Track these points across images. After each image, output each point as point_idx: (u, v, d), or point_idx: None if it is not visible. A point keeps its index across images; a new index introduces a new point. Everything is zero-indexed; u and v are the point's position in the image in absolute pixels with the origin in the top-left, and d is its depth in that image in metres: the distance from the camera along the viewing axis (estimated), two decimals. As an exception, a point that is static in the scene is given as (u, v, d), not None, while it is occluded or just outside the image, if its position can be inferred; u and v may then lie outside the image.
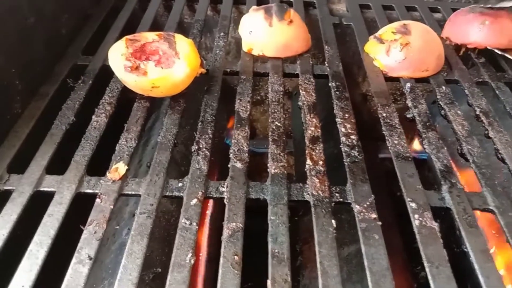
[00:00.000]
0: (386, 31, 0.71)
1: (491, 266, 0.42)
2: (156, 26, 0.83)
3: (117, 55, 0.60)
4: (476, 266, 0.43)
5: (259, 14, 0.72)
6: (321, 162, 0.53)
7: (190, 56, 0.61)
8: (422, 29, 0.70)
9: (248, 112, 0.60)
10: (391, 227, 0.60)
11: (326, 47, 0.76)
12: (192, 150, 0.54)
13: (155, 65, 0.59)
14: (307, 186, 0.50)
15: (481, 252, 0.44)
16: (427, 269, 0.42)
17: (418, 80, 0.69)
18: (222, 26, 0.81)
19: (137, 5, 0.91)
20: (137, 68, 0.59)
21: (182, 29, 0.87)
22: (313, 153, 0.54)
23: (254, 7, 0.75)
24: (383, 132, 0.58)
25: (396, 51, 0.68)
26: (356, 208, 0.48)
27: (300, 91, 0.65)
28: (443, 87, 0.67)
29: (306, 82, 0.67)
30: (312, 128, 0.58)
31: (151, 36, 0.64)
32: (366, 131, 0.67)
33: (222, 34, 0.78)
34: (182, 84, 0.61)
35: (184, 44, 0.62)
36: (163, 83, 0.59)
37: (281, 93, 0.65)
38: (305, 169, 0.52)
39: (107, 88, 0.64)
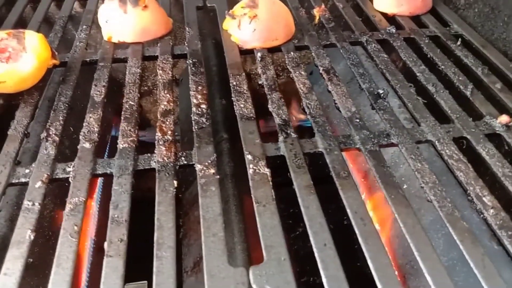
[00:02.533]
0: (237, 7, 0.75)
1: (312, 198, 0.47)
2: (21, 26, 0.82)
3: (-38, 57, 0.60)
4: (299, 200, 0.47)
5: (114, 2, 0.74)
6: (170, 132, 0.56)
7: (38, 49, 0.62)
8: (269, 1, 0.75)
9: (102, 96, 0.62)
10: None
11: (187, 28, 0.79)
12: (41, 138, 0.55)
13: (1, 61, 0.60)
14: (154, 155, 0.53)
15: (305, 188, 0.49)
16: (255, 209, 0.46)
17: (272, 50, 0.74)
18: (86, 19, 0.82)
19: (3, 8, 0.90)
20: (-20, 66, 0.59)
21: (50, 26, 0.86)
22: (163, 125, 0.57)
23: (110, -4, 0.76)
24: (232, 98, 0.62)
25: (246, 24, 0.72)
26: (198, 167, 0.51)
27: (158, 70, 0.68)
28: (292, 53, 0.72)
29: (164, 62, 0.70)
30: (165, 103, 0.61)
31: (0, 35, 0.64)
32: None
33: (84, 27, 0.80)
34: (32, 77, 0.62)
35: (33, 39, 0.63)
36: (9, 78, 0.59)
37: (138, 74, 0.67)
38: (154, 140, 0.55)
39: (-40, 91, 0.63)
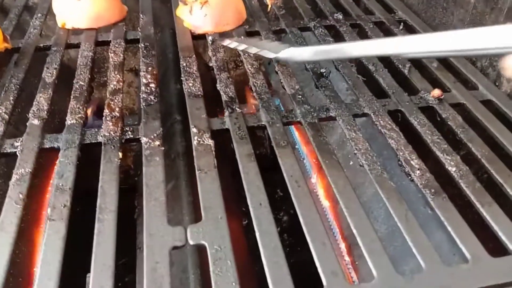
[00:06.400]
0: (189, -7, 0.78)
1: (252, 165, 0.50)
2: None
3: None
4: (240, 166, 0.50)
5: (67, -11, 0.75)
6: (117, 109, 0.58)
7: (-12, 32, 0.63)
8: (220, -12, 0.77)
9: (53, 78, 0.64)
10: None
11: (142, 15, 0.81)
12: (-10, 116, 0.56)
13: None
14: (102, 130, 0.55)
15: (246, 156, 0.51)
16: (197, 176, 0.48)
17: (223, 35, 0.76)
18: (41, 8, 0.83)
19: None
20: None
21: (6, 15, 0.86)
22: (111, 102, 0.59)
23: (64, -16, 0.77)
24: (181, 78, 0.64)
25: (197, 10, 0.75)
26: (143, 140, 0.53)
27: (109, 54, 0.70)
28: (242, 37, 0.75)
29: (116, 46, 0.72)
30: (114, 83, 0.63)
31: (-51, 19, 0.64)
32: (213, 97, 0.72)
33: (39, 15, 0.81)
34: (-19, 58, 0.62)
35: (-17, 23, 0.64)
36: (-43, 59, 0.60)
37: (90, 57, 0.69)
38: (103, 117, 0.57)
39: None
